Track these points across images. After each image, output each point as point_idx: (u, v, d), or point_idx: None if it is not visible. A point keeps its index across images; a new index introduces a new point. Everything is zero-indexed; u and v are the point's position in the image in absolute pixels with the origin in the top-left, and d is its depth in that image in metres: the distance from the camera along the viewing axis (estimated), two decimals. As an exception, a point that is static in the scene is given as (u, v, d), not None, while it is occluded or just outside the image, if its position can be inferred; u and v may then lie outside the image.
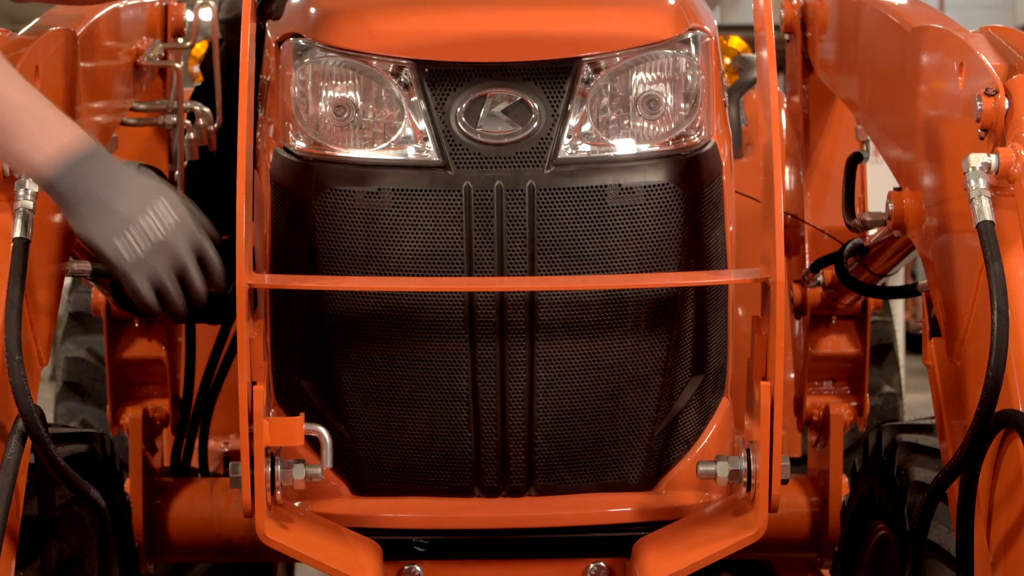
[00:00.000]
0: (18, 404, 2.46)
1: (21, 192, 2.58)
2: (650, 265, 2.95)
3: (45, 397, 3.74)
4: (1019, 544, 2.33)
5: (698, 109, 2.99)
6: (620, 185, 2.93)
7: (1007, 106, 2.47)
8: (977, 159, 2.45)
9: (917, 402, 6.41)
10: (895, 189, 2.93)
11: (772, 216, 2.80)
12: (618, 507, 3.07)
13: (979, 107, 2.47)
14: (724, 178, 3.06)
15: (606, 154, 2.95)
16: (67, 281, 3.68)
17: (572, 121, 2.94)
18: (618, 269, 2.94)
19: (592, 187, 2.92)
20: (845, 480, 3.70)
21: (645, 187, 2.94)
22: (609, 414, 3.02)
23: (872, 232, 3.37)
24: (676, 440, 3.10)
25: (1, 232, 2.58)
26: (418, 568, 3.13)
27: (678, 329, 3.02)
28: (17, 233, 2.56)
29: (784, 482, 2.88)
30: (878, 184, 3.47)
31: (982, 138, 2.50)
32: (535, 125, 2.93)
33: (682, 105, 2.97)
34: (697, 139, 3.00)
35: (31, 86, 2.60)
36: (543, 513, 3.05)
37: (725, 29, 8.34)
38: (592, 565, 3.15)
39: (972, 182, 2.44)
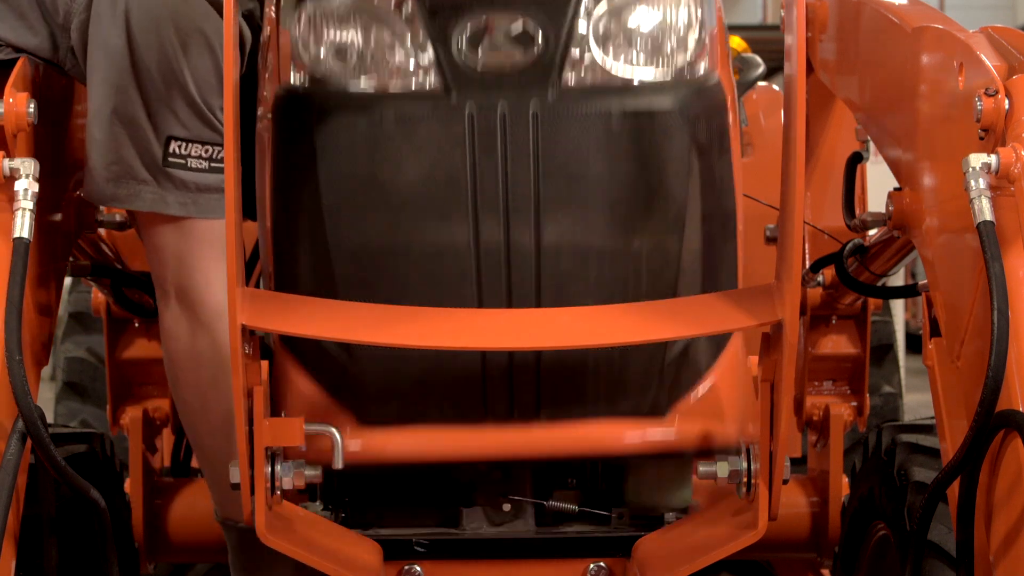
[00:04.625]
0: (18, 404, 2.46)
1: (21, 192, 2.58)
2: (655, 192, 2.92)
3: (45, 397, 3.75)
4: (1019, 544, 2.33)
5: (704, 39, 2.96)
6: (625, 111, 2.90)
7: (1007, 106, 2.47)
8: (977, 159, 2.45)
9: (917, 402, 6.41)
10: (895, 189, 2.93)
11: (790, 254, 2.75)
12: (630, 435, 3.02)
13: (979, 107, 2.47)
14: (730, 116, 3.02)
15: (610, 80, 2.93)
16: (67, 281, 3.69)
17: (576, 47, 2.91)
18: (624, 195, 2.91)
19: (597, 113, 2.89)
20: (845, 480, 3.70)
21: (650, 113, 2.91)
22: None
23: (872, 232, 3.37)
24: (688, 369, 3.04)
25: (1, 232, 2.58)
26: (418, 568, 3.13)
27: (687, 253, 2.98)
28: (17, 233, 2.56)
29: (784, 482, 2.88)
30: (878, 184, 3.47)
31: (982, 138, 2.50)
32: (538, 52, 2.90)
33: (688, 33, 2.94)
34: (702, 69, 2.97)
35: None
36: (553, 441, 3.00)
37: (725, 29, 8.32)
38: (592, 565, 3.15)
39: (972, 182, 2.44)
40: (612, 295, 2.95)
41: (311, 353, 3.02)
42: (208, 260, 2.97)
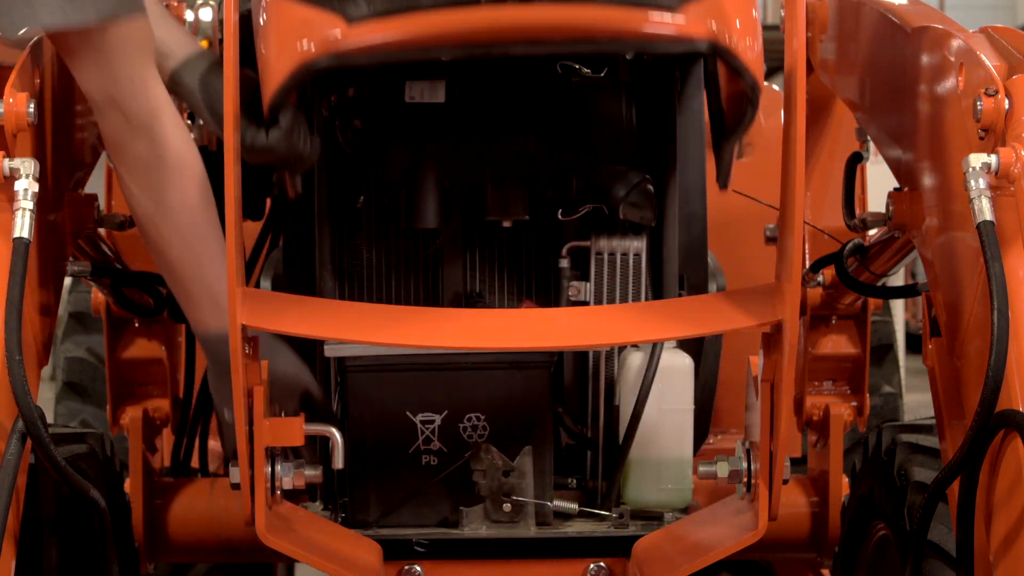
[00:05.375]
0: (18, 404, 2.46)
1: (21, 192, 2.58)
2: None
3: (45, 397, 3.74)
4: (1019, 544, 2.33)
5: None
6: None
7: (1007, 106, 2.47)
8: (977, 159, 2.45)
9: (917, 402, 6.40)
10: (895, 189, 2.93)
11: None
12: (639, 17, 2.84)
13: (979, 107, 2.47)
14: None
15: None
16: (67, 281, 3.68)
17: None
18: None
19: None
20: (845, 480, 3.70)
21: None
22: None
23: (872, 232, 3.37)
24: None
25: (1, 232, 2.58)
26: (418, 568, 3.13)
27: None
28: (17, 233, 2.56)
29: (784, 482, 2.88)
30: (878, 184, 3.47)
31: (982, 138, 2.50)
32: None
33: None
34: None
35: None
36: (555, 20, 2.82)
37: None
38: (592, 565, 3.15)
39: (972, 182, 2.44)
40: None
41: None
42: (124, 64, 2.87)
